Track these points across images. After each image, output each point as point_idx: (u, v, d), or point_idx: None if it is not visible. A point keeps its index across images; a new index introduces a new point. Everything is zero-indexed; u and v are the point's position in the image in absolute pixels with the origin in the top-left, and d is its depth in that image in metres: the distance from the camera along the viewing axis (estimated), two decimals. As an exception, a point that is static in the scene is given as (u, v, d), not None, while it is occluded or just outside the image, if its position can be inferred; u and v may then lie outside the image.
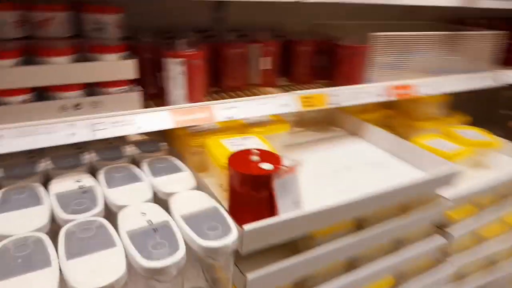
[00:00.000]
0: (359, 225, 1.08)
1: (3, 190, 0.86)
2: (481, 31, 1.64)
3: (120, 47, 0.98)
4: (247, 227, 0.80)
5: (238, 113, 1.10)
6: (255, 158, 0.89)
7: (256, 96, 1.17)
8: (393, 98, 1.40)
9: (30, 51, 0.91)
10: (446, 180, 1.16)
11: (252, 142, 1.08)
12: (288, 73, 1.43)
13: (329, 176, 1.19)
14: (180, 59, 1.01)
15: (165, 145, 1.13)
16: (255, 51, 1.29)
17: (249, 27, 1.47)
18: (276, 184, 0.85)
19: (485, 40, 1.66)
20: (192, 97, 1.07)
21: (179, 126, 1.01)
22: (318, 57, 1.42)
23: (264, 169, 0.86)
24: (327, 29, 1.61)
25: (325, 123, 1.61)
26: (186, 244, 0.75)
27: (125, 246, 0.72)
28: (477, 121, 1.94)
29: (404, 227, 1.14)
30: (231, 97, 1.21)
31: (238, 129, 1.20)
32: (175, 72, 1.02)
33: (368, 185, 1.12)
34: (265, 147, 1.06)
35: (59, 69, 0.90)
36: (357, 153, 1.37)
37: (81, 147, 1.06)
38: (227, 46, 1.21)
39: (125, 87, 1.00)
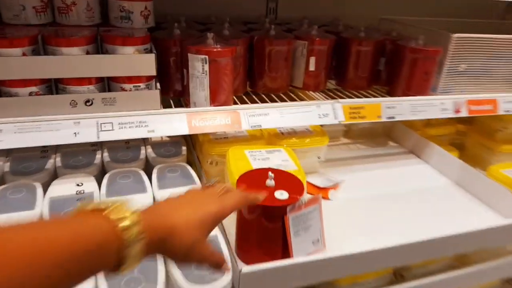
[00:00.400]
0: (399, 274, 0.88)
1: (1, 188, 0.81)
2: None
3: (140, 39, 0.88)
4: (245, 268, 0.65)
5: (267, 122, 0.95)
6: (270, 182, 0.73)
7: (292, 103, 1.01)
8: (463, 115, 1.15)
9: (44, 39, 0.84)
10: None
11: (278, 157, 0.92)
12: (340, 75, 1.24)
13: (371, 205, 0.99)
14: (203, 56, 0.88)
15: (185, 149, 1.02)
16: (300, 50, 1.12)
17: (302, 20, 1.30)
18: (291, 218, 0.70)
19: None
20: (216, 100, 0.94)
21: (196, 132, 0.89)
22: (377, 59, 1.20)
23: (277, 199, 0.70)
24: (396, 25, 1.38)
25: (381, 135, 1.39)
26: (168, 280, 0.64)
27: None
28: None
29: (461, 281, 0.91)
30: (266, 100, 1.06)
31: (271, 138, 1.05)
32: (198, 71, 0.90)
33: (418, 224, 0.92)
34: (291, 164, 0.90)
35: (68, 60, 0.82)
36: (413, 179, 1.15)
37: (96, 143, 1.00)
38: (266, 42, 1.06)
39: (142, 84, 0.90)
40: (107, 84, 0.90)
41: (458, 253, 0.91)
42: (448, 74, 1.15)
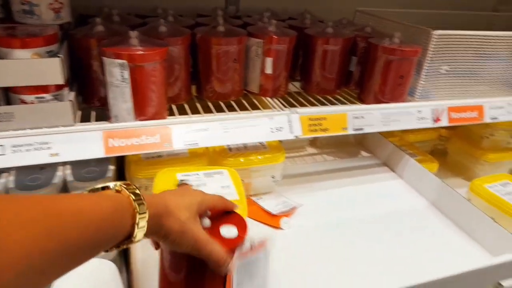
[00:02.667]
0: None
1: None
2: None
3: (41, 39, 0.71)
4: None
5: (206, 139, 0.79)
6: (206, 222, 0.57)
7: (238, 115, 0.85)
8: (444, 124, 1.00)
9: None
10: (510, 268, 0.77)
11: (218, 181, 0.77)
12: (304, 78, 1.08)
13: (328, 235, 0.84)
14: (121, 61, 0.71)
15: (113, 170, 0.86)
16: (254, 49, 0.95)
17: (265, 14, 1.13)
18: (237, 266, 0.54)
19: None
20: (143, 113, 0.78)
21: (114, 154, 0.73)
22: (346, 59, 1.04)
23: (224, 238, 0.55)
24: (372, 19, 1.21)
25: (352, 144, 1.24)
26: None
27: None
28: None
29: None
30: (212, 110, 0.89)
31: (215, 156, 0.90)
32: (116, 78, 0.73)
33: (384, 263, 0.77)
34: (232, 192, 0.74)
35: None
36: (383, 199, 1.00)
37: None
38: (212, 41, 0.89)
39: (47, 94, 0.73)
40: (4, 95, 0.73)
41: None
42: (427, 77, 0.99)
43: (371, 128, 0.93)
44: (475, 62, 1.03)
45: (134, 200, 0.44)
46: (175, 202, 0.51)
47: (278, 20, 1.14)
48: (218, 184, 0.77)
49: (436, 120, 0.99)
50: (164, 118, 0.80)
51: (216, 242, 0.52)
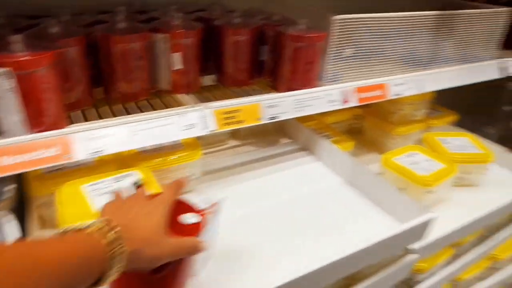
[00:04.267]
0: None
1: None
2: (483, 9, 1.26)
3: None
4: None
5: (112, 145, 0.75)
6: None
7: (146, 115, 0.81)
8: (353, 104, 1.05)
9: None
10: (416, 233, 0.84)
11: (129, 182, 0.74)
12: (218, 70, 1.07)
13: (252, 224, 0.86)
14: (4, 70, 0.65)
15: (12, 189, 0.78)
16: (160, 45, 0.92)
17: (171, 7, 1.09)
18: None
19: (489, 20, 1.28)
20: (38, 124, 0.71)
21: (6, 173, 0.67)
22: (257, 49, 1.05)
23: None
24: (282, 6, 1.23)
25: (272, 132, 1.26)
26: None
27: None
28: (474, 119, 1.60)
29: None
30: (120, 112, 0.85)
31: (126, 160, 0.86)
32: (1, 89, 0.66)
33: (309, 242, 0.80)
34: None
35: None
36: (304, 181, 1.04)
37: None
38: (111, 39, 0.84)
39: None
40: None
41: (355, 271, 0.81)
42: (334, 61, 1.03)
43: (285, 115, 0.95)
44: (377, 43, 1.09)
45: (112, 242, 0.46)
46: (149, 229, 0.53)
47: (186, 12, 1.11)
48: (132, 187, 0.73)
49: (345, 101, 1.04)
50: (62, 127, 0.74)
51: (184, 238, 0.57)
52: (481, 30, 1.28)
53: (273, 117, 0.94)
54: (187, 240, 0.57)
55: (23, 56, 0.66)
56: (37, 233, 0.76)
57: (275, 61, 1.03)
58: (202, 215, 0.64)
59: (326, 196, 0.98)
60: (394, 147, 1.30)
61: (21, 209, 0.82)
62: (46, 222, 0.80)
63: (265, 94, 0.97)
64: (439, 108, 1.52)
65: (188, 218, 0.63)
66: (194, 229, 0.60)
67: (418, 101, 1.34)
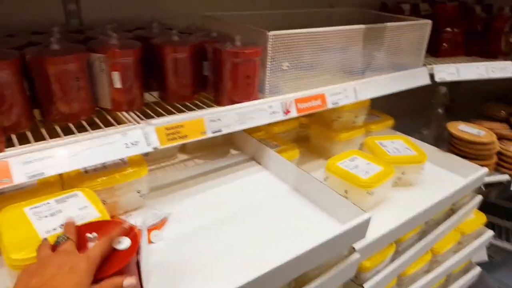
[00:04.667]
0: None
1: None
2: (405, 21, 1.37)
3: None
4: None
5: (53, 166, 0.74)
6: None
7: (87, 135, 0.81)
8: (293, 115, 1.10)
9: None
10: (358, 232, 0.89)
11: (74, 204, 0.73)
12: (160, 87, 1.08)
13: (205, 235, 0.87)
14: None
15: None
16: (97, 65, 0.92)
17: (108, 26, 1.09)
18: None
19: (412, 31, 1.40)
20: (-32, 150, 0.69)
21: None
22: (198, 65, 1.07)
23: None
24: (219, 23, 1.26)
25: (221, 144, 1.29)
26: None
27: None
28: (412, 122, 1.73)
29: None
30: (59, 134, 0.83)
31: (70, 181, 0.85)
32: None
33: (258, 249, 0.83)
34: (91, 211, 0.72)
35: None
36: (252, 191, 1.07)
37: None
38: (43, 61, 0.83)
39: None
40: None
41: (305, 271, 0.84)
42: (272, 74, 1.08)
43: (228, 128, 0.98)
44: (313, 55, 1.16)
45: None
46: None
47: (125, 31, 1.12)
48: (75, 207, 0.73)
49: (286, 112, 1.09)
50: (1, 151, 0.72)
51: (109, 280, 0.55)
52: (408, 40, 1.39)
53: (217, 130, 0.96)
54: (111, 281, 0.55)
55: None
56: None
57: (216, 76, 1.07)
58: (134, 235, 0.63)
59: (274, 204, 1.01)
60: (338, 152, 1.37)
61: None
62: None
63: (208, 109, 0.99)
64: (377, 114, 1.62)
65: (119, 244, 0.61)
66: (126, 254, 0.60)
67: (357, 108, 1.42)
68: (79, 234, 0.62)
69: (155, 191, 0.99)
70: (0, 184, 0.69)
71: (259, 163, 1.20)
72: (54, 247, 0.58)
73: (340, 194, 0.98)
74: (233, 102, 1.03)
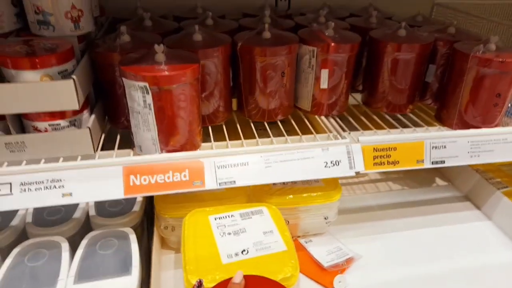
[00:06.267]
0: None
1: None
2: None
3: (51, 57, 0.60)
4: None
5: (244, 177, 0.65)
6: None
7: (285, 145, 0.69)
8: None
9: None
10: None
11: (258, 224, 0.63)
12: (368, 89, 0.89)
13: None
14: (142, 84, 0.59)
15: (141, 204, 0.74)
16: (306, 59, 0.78)
17: (321, 11, 0.95)
18: None
19: None
20: (170, 143, 0.65)
21: (135, 194, 0.61)
22: (422, 69, 0.84)
23: None
24: (457, 14, 0.98)
25: (426, 169, 1.03)
26: None
27: None
28: None
29: None
30: (252, 134, 0.75)
31: (256, 192, 0.75)
32: (138, 103, 0.61)
33: None
34: (276, 239, 0.61)
35: None
36: (466, 248, 0.80)
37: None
38: (254, 52, 0.73)
39: (62, 121, 0.63)
40: (17, 121, 0.64)
41: None
42: (532, 94, 0.76)
43: (454, 160, 0.73)
44: None
45: None
46: None
47: (337, 18, 0.96)
48: (259, 229, 0.63)
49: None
50: (195, 148, 0.67)
51: None
52: None
53: (439, 161, 0.73)
54: None
55: (163, 71, 0.59)
56: (157, 252, 0.70)
57: (445, 86, 0.81)
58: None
59: (499, 276, 0.73)
60: None
61: (146, 225, 0.79)
62: (170, 243, 0.75)
63: (430, 130, 0.76)
64: None
65: None
66: None
67: None
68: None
69: (338, 214, 0.82)
70: (194, 187, 0.63)
71: (477, 207, 0.91)
72: None
73: None
74: (467, 125, 0.77)
